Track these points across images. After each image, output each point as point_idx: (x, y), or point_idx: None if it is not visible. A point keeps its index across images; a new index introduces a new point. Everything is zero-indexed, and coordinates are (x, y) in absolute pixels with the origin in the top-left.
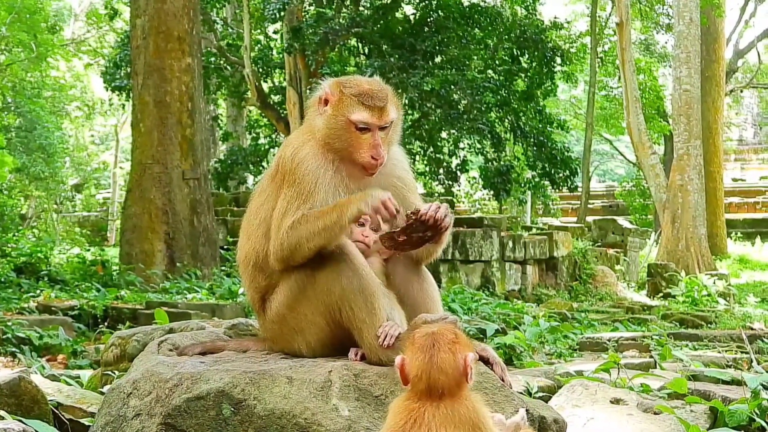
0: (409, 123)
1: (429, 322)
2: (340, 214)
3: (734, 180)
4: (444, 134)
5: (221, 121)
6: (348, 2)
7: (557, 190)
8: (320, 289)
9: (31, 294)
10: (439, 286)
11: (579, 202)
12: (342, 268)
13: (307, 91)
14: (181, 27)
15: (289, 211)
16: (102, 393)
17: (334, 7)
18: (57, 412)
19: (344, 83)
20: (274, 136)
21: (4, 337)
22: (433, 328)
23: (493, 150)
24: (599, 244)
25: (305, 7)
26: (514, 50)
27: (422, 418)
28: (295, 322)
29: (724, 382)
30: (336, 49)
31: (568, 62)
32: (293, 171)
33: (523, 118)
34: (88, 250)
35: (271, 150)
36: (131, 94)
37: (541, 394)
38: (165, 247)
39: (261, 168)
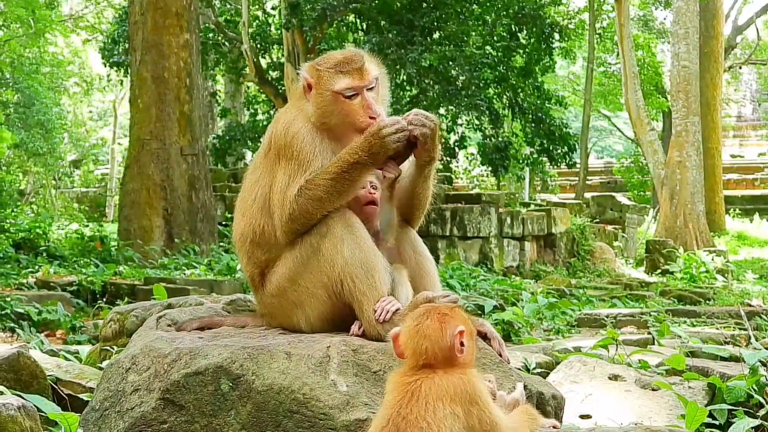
0: (408, 99)
1: (431, 300)
2: (352, 155)
3: (733, 156)
4: (442, 110)
5: (219, 97)
6: None
7: (555, 167)
8: (323, 260)
9: (30, 270)
10: (437, 262)
11: (577, 178)
12: (345, 240)
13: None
14: (179, 3)
15: (292, 182)
16: (101, 368)
17: None
18: (56, 387)
19: (318, 62)
20: (272, 112)
21: (2, 312)
22: (432, 303)
23: (491, 126)
24: (597, 220)
25: None
26: (513, 26)
27: (419, 391)
28: (295, 295)
29: (723, 359)
30: (334, 25)
31: (566, 38)
32: (289, 144)
33: (521, 94)
34: (87, 225)
35: (269, 126)
36: (129, 70)
37: (539, 371)
38: (163, 223)
39: (259, 144)
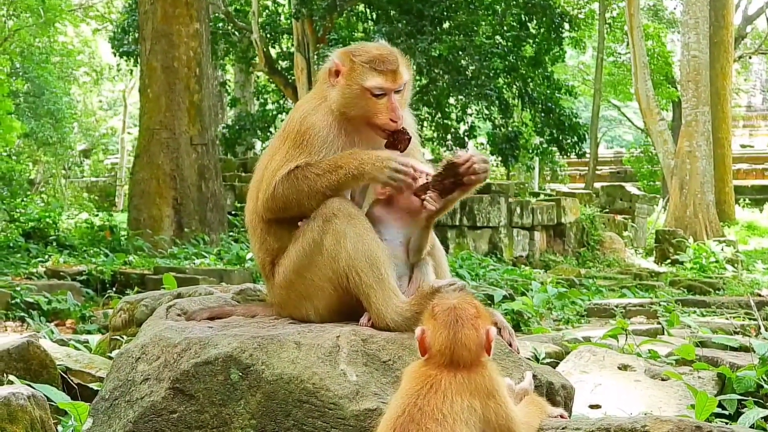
0: (417, 89)
1: (438, 289)
2: (346, 162)
3: (742, 146)
4: (452, 100)
5: (229, 86)
6: None
7: (565, 156)
8: (326, 255)
9: (40, 259)
10: (447, 252)
11: (587, 168)
12: (348, 234)
13: (315, 56)
14: None
15: (286, 162)
16: (110, 358)
17: None
18: (65, 376)
19: (354, 52)
20: (281, 101)
21: (12, 302)
22: (453, 301)
23: (501, 116)
24: (607, 210)
25: None
26: (522, 16)
27: (439, 384)
28: (303, 287)
29: (732, 349)
30: (344, 15)
31: (576, 28)
32: (301, 132)
33: (531, 84)
34: (97, 215)
35: (279, 116)
36: (139, 60)
37: (548, 360)
38: (173, 212)
39: (269, 134)
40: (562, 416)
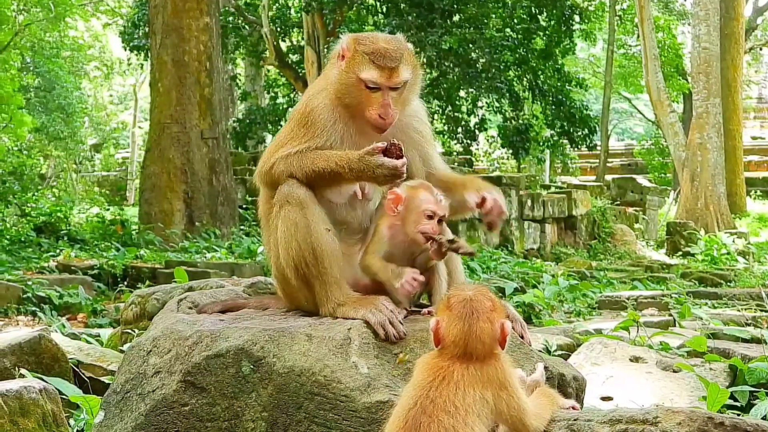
0: (428, 82)
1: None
2: (341, 163)
3: (753, 138)
4: (462, 93)
5: (239, 80)
6: None
7: (576, 149)
8: (282, 245)
9: (51, 253)
10: None
11: (598, 160)
12: (297, 223)
13: (325, 50)
14: None
15: (288, 143)
16: (122, 351)
17: None
18: (77, 370)
19: (360, 39)
20: (292, 95)
21: (24, 296)
22: (468, 293)
23: (511, 109)
24: (618, 202)
25: None
26: (533, 8)
27: (451, 376)
28: (287, 278)
29: (744, 340)
30: (354, 8)
31: (586, 20)
32: (304, 114)
33: (541, 76)
34: (108, 209)
35: (290, 109)
36: (149, 54)
37: (560, 352)
38: (184, 206)
39: (279, 127)
40: (573, 408)
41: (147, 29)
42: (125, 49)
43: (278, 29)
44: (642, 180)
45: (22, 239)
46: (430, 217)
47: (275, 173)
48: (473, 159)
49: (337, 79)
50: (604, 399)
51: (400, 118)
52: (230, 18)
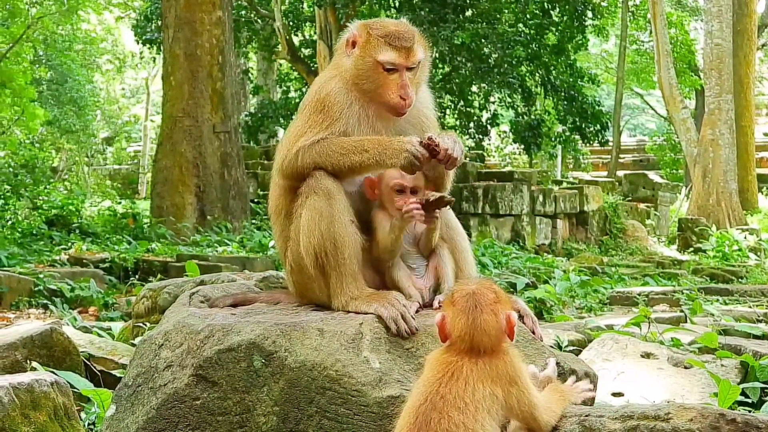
0: (440, 77)
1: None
2: (366, 149)
3: (765, 135)
4: (474, 88)
5: (252, 74)
6: None
7: (588, 145)
8: (303, 233)
9: (63, 246)
10: (469, 240)
11: (609, 156)
12: (322, 212)
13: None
14: None
15: (308, 132)
16: (133, 345)
17: None
18: (89, 363)
19: (371, 25)
20: (304, 89)
21: (36, 289)
22: (472, 286)
23: (523, 104)
24: (630, 198)
25: None
26: (545, 4)
27: (460, 371)
28: (307, 270)
29: (755, 337)
30: (366, 2)
31: (599, 16)
32: (320, 100)
33: (553, 72)
34: (119, 203)
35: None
36: (162, 48)
37: (571, 348)
38: (195, 200)
39: (291, 121)
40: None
41: (159, 23)
42: (138, 43)
43: (291, 23)
44: (654, 176)
45: (34, 232)
46: (400, 191)
47: (300, 164)
48: (485, 154)
49: (353, 65)
50: (615, 395)
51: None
52: (243, 12)
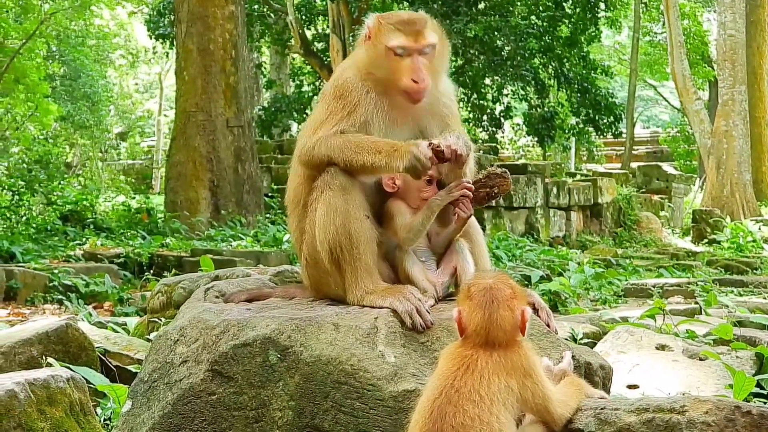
0: (453, 70)
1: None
2: (386, 158)
3: None
4: (488, 81)
5: (265, 68)
6: None
7: (601, 137)
8: (319, 227)
9: (77, 242)
10: (483, 233)
11: (623, 148)
12: (338, 207)
13: (351, 38)
14: None
15: (327, 122)
16: (149, 340)
17: None
18: (104, 358)
19: (384, 16)
20: (317, 83)
21: (51, 284)
22: (488, 281)
23: (536, 96)
24: (644, 190)
25: None
26: None
27: (475, 365)
28: (322, 264)
29: None
30: None
31: (612, 8)
32: (337, 87)
33: (566, 64)
34: (133, 198)
35: (315, 97)
36: (175, 42)
37: (586, 341)
38: (209, 194)
39: (305, 115)
40: (602, 398)
41: (172, 18)
42: (150, 38)
43: (303, 17)
44: (668, 167)
45: (49, 228)
46: (430, 182)
47: (316, 154)
48: (498, 147)
49: (366, 54)
50: (630, 387)
51: (432, 92)
52: (255, 6)
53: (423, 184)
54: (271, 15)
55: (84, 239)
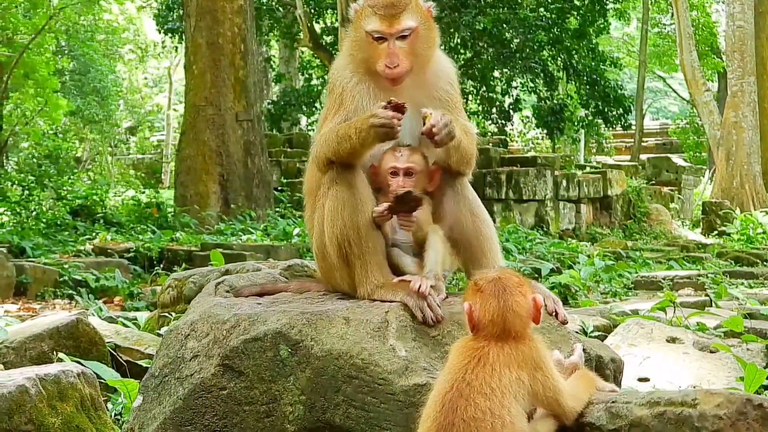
0: (462, 62)
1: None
2: (347, 130)
3: None
4: (497, 73)
5: (274, 62)
6: None
7: (610, 129)
8: (327, 222)
9: (87, 237)
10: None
11: (633, 140)
12: (346, 202)
13: None
14: None
15: (328, 118)
16: (159, 335)
17: None
18: (114, 353)
19: (369, 0)
20: (326, 77)
21: (61, 279)
22: (495, 273)
23: (546, 89)
24: (653, 182)
25: None
26: None
27: (486, 357)
28: (330, 257)
29: None
30: None
31: None
32: (331, 82)
33: (575, 56)
34: (143, 192)
35: (324, 91)
36: (184, 37)
37: (596, 334)
38: (219, 188)
39: (314, 109)
40: (613, 391)
41: (181, 12)
42: (159, 32)
43: (312, 11)
44: (677, 159)
45: (59, 222)
46: (394, 174)
47: (320, 158)
48: (508, 139)
49: (349, 38)
50: (641, 380)
51: (425, 76)
52: (264, 0)
53: (389, 176)
54: (280, 8)
55: (94, 234)
